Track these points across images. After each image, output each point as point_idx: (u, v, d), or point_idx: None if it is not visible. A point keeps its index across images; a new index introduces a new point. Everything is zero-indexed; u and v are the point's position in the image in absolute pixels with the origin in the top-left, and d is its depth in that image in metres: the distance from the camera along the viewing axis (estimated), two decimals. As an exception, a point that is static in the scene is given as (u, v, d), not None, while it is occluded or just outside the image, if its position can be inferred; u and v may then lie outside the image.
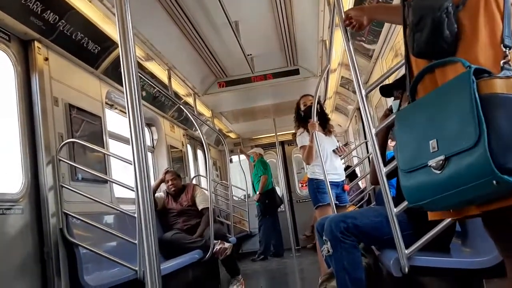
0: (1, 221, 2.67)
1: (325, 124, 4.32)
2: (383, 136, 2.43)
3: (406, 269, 1.98)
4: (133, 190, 3.03)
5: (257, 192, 7.77)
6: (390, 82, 2.58)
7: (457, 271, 1.96)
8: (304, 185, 9.07)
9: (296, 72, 6.36)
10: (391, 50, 4.08)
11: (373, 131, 2.11)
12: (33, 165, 3.04)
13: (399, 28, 3.08)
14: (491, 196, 1.17)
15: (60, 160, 3.19)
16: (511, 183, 1.07)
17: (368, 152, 6.20)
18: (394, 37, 3.89)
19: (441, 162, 1.21)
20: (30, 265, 2.86)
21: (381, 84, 2.38)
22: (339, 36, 3.97)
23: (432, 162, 1.24)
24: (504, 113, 1.12)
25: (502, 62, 1.23)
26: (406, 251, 1.97)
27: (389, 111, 2.51)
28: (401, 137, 1.43)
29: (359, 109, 6.61)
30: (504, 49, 1.25)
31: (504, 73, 1.20)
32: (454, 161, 1.18)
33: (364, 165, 6.78)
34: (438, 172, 1.22)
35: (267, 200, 7.72)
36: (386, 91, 2.43)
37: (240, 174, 9.42)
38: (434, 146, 1.24)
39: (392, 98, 2.44)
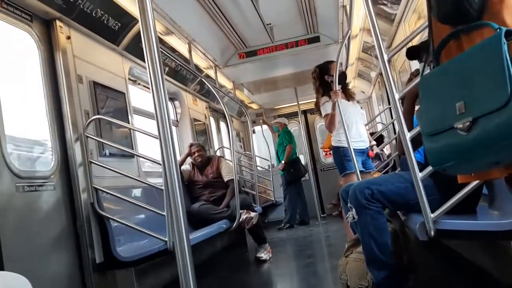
0: (35, 198, 2.77)
1: (346, 90, 4.25)
2: (411, 101, 2.37)
3: (432, 233, 1.98)
4: (159, 164, 3.10)
5: (282, 162, 7.81)
6: (414, 44, 2.53)
7: (484, 234, 1.94)
8: (327, 152, 9.02)
9: (316, 39, 6.25)
10: (414, 13, 3.97)
11: (397, 96, 2.08)
12: (61, 142, 3.12)
13: (422, -11, 2.99)
14: None
15: (87, 136, 3.27)
16: None
17: (392, 118, 6.13)
18: (417, -1, 3.78)
19: (469, 123, 1.20)
20: (64, 239, 2.98)
21: (407, 47, 2.33)
22: (359, 0, 3.89)
23: (459, 124, 1.23)
24: None
25: None
26: (432, 215, 1.97)
27: (415, 76, 2.46)
28: (426, 101, 1.43)
29: (382, 74, 6.51)
30: None
31: None
32: (482, 123, 1.17)
33: (389, 131, 6.71)
34: (465, 133, 1.22)
35: (292, 169, 7.76)
36: (413, 53, 2.38)
37: (263, 144, 9.46)
38: (461, 108, 1.23)
39: (417, 63, 2.39)
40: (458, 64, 1.31)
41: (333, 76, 4.08)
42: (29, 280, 1.35)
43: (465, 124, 1.21)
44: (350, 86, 5.05)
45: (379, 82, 7.00)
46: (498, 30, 1.18)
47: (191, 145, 5.16)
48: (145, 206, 3.29)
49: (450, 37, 1.41)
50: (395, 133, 6.01)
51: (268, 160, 8.66)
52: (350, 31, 4.22)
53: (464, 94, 1.24)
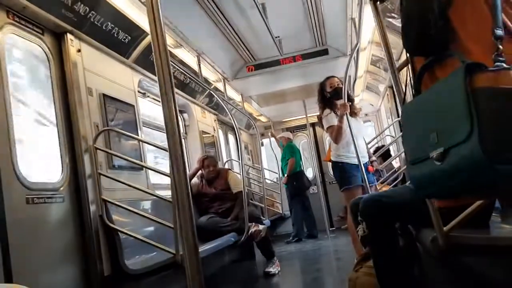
0: (44, 209, 2.78)
1: (350, 105, 4.28)
2: None
3: (445, 247, 1.94)
4: (168, 176, 3.10)
5: (285, 175, 7.79)
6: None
7: (497, 248, 1.91)
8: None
9: (325, 52, 6.27)
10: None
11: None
12: (71, 154, 3.14)
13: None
14: (487, 184, 1.21)
15: (96, 148, 3.28)
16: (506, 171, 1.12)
17: (401, 131, 6.09)
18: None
19: (441, 153, 1.27)
20: (72, 251, 2.97)
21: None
22: (368, 13, 3.90)
23: (433, 154, 1.30)
24: (495, 105, 1.17)
25: (494, 54, 1.25)
26: (444, 229, 1.94)
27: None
28: (406, 130, 1.52)
29: (391, 87, 6.51)
30: (495, 41, 1.24)
31: (497, 66, 1.23)
32: (452, 153, 1.24)
33: (398, 143, 6.67)
34: (439, 163, 1.28)
35: (295, 182, 7.74)
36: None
37: (271, 157, 9.45)
38: (434, 138, 1.31)
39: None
40: (430, 96, 1.39)
41: (328, 92, 4.25)
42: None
43: (438, 154, 1.28)
44: (358, 99, 5.06)
45: (387, 95, 6.99)
46: (462, 63, 1.24)
47: (205, 158, 5.15)
48: (154, 219, 3.28)
49: (425, 69, 1.49)
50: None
51: (277, 173, 8.64)
52: (359, 44, 4.23)
53: (436, 125, 1.32)
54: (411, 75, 1.61)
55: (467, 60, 1.25)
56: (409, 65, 1.62)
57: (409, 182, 4.24)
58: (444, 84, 1.31)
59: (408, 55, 1.62)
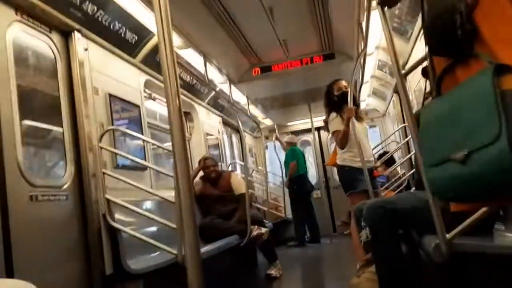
0: (47, 207, 2.78)
1: (356, 110, 4.26)
2: None
3: (447, 254, 1.93)
4: (172, 177, 3.10)
5: (286, 179, 7.77)
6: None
7: (500, 257, 1.90)
8: (338, 170, 8.94)
9: (331, 56, 6.27)
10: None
11: (413, 113, 2.06)
12: (76, 153, 3.14)
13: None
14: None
15: (101, 148, 3.28)
16: None
17: (406, 137, 6.07)
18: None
19: (464, 156, 1.23)
20: (75, 249, 2.98)
21: (423, 65, 2.32)
22: (375, 18, 3.89)
23: (455, 156, 1.26)
24: None
25: None
26: (447, 236, 1.92)
27: (430, 94, 2.44)
28: (426, 131, 1.47)
29: (397, 92, 6.49)
30: None
31: None
32: (477, 155, 1.20)
33: (402, 149, 6.65)
34: (461, 166, 1.25)
35: (295, 186, 7.68)
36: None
37: (275, 160, 9.43)
38: (458, 140, 1.27)
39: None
40: (454, 96, 1.34)
41: (336, 95, 4.20)
42: (38, 289, 1.34)
43: (461, 156, 1.24)
44: (364, 104, 5.04)
45: (393, 100, 6.97)
46: (489, 64, 1.21)
47: (205, 159, 5.15)
48: (156, 219, 3.28)
49: (446, 70, 1.45)
50: (408, 152, 5.95)
51: (280, 176, 8.61)
52: (365, 49, 4.22)
53: (460, 126, 1.28)
54: (430, 76, 1.57)
55: (494, 61, 1.22)
56: (429, 66, 1.59)
57: (413, 188, 4.24)
58: (470, 85, 1.28)
59: (428, 55, 1.59)
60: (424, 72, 2.39)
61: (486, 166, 1.18)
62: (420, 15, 1.55)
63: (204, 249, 3.61)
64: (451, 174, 1.30)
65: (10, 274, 2.32)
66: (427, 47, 1.55)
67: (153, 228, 3.61)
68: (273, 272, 4.80)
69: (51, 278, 2.65)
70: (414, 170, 4.76)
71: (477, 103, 1.22)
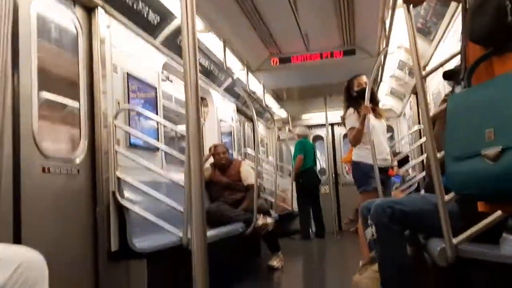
0: (59, 180, 2.81)
1: (375, 107, 4.21)
2: (443, 123, 2.32)
3: (452, 259, 1.92)
4: (184, 160, 3.12)
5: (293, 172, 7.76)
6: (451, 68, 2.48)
7: (506, 266, 1.89)
8: (349, 168, 8.90)
9: (352, 52, 6.21)
10: (455, 34, 3.90)
11: (430, 115, 2.04)
12: (90, 128, 3.17)
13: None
14: None
15: (116, 126, 3.31)
16: None
17: (420, 139, 6.02)
18: (459, 19, 3.71)
19: (498, 153, 1.15)
20: (82, 223, 3.01)
21: (444, 68, 2.30)
22: (400, 16, 3.85)
23: (486, 152, 1.18)
24: None
25: None
26: (454, 240, 1.91)
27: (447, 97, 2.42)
28: (453, 122, 1.38)
29: (415, 94, 6.43)
30: None
31: None
32: (510, 153, 1.13)
33: (414, 152, 6.60)
34: (492, 163, 1.17)
35: (301, 180, 7.66)
36: (450, 74, 2.33)
37: (286, 152, 9.41)
38: (491, 135, 1.18)
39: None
40: (489, 89, 1.27)
41: (355, 91, 4.16)
42: (44, 259, 1.36)
43: (493, 152, 1.16)
44: (380, 104, 4.99)
45: (410, 101, 6.90)
46: None
47: (216, 146, 5.16)
48: (165, 200, 3.30)
49: (482, 59, 1.36)
50: (421, 154, 5.91)
51: (290, 169, 8.60)
52: (387, 47, 4.17)
53: (494, 120, 1.19)
54: (462, 66, 1.49)
55: None
56: (461, 54, 1.51)
57: (423, 190, 4.21)
58: (509, 78, 1.21)
59: (463, 43, 1.51)
60: (445, 75, 2.37)
61: None
62: (449, 12, 1.47)
63: (209, 233, 3.62)
64: (479, 170, 1.22)
65: (17, 242, 2.35)
66: (465, 32, 1.45)
67: (160, 210, 3.63)
68: (275, 263, 4.83)
69: (57, 250, 2.69)
70: (425, 172, 4.73)
71: None
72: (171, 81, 4.96)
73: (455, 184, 1.38)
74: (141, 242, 3.16)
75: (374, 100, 4.23)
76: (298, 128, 8.42)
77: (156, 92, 4.08)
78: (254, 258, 5.52)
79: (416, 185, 5.66)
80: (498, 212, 1.77)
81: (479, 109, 1.27)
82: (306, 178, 7.69)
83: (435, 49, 4.60)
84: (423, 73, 2.08)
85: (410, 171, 6.53)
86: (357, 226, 6.45)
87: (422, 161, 5.71)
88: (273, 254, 4.95)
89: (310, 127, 9.44)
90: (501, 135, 1.16)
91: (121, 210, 3.21)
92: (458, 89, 2.25)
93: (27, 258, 1.28)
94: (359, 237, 3.91)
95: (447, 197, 1.92)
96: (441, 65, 2.26)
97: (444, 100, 2.44)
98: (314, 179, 7.87)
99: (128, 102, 3.56)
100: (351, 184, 8.76)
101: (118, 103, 3.43)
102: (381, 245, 2.24)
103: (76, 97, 3.09)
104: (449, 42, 4.08)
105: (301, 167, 7.65)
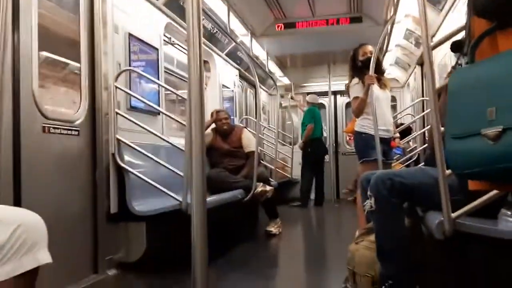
0: (59, 141, 2.79)
1: (380, 77, 4.15)
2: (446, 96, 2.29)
3: (450, 233, 1.93)
4: (184, 125, 3.10)
5: (301, 140, 7.73)
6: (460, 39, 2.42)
7: (502, 241, 1.89)
8: (350, 137, 8.88)
9: (359, 19, 6.09)
10: (465, 4, 3.79)
11: (435, 87, 2.00)
12: (91, 90, 3.13)
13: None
14: None
15: (116, 87, 3.27)
16: None
17: (423, 111, 5.98)
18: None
19: (498, 132, 1.13)
20: (82, 184, 3.01)
21: (451, 40, 2.23)
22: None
23: (487, 131, 1.16)
24: None
25: None
26: (452, 214, 1.92)
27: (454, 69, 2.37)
28: (455, 99, 1.34)
29: (420, 65, 6.34)
30: None
31: None
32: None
33: (416, 124, 6.58)
34: (492, 143, 1.15)
35: (309, 149, 7.64)
36: (458, 46, 2.28)
37: (288, 120, 9.38)
38: (492, 114, 1.15)
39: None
40: (493, 66, 1.23)
41: (361, 60, 4.08)
42: (44, 220, 1.36)
43: (493, 132, 1.14)
44: (385, 73, 4.92)
45: (415, 72, 6.82)
46: None
47: (218, 111, 5.12)
48: (165, 165, 3.30)
49: (486, 33, 1.31)
50: (423, 126, 5.88)
51: (291, 137, 8.57)
52: (395, 16, 4.08)
53: (496, 99, 1.16)
54: (466, 40, 1.44)
55: None
56: (466, 29, 1.46)
57: (422, 163, 4.21)
58: None
59: (468, 16, 1.46)
60: (454, 47, 2.31)
61: None
62: None
63: (208, 199, 3.64)
64: (479, 150, 1.20)
65: (17, 203, 2.36)
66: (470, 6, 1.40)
67: (160, 174, 3.64)
68: (272, 229, 4.88)
69: (56, 211, 2.70)
70: (426, 145, 4.72)
71: None
72: (172, 44, 4.87)
73: (453, 163, 1.36)
74: (141, 205, 3.18)
75: (379, 70, 4.16)
76: (308, 96, 8.31)
77: (158, 54, 4.02)
78: (252, 224, 5.58)
79: (416, 157, 5.67)
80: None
81: (481, 87, 1.23)
82: (314, 148, 7.66)
83: (444, 19, 4.49)
84: (431, 44, 2.02)
85: (411, 143, 6.53)
86: (355, 196, 6.52)
87: (424, 133, 5.70)
88: (271, 221, 5.00)
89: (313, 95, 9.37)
90: (503, 115, 1.13)
91: (121, 173, 3.21)
92: (462, 61, 2.20)
93: (26, 219, 1.27)
94: (356, 207, 3.93)
95: (448, 171, 1.91)
96: (450, 37, 2.20)
97: (451, 72, 2.39)
98: (322, 149, 7.85)
99: (130, 64, 3.50)
100: (351, 153, 8.83)
101: (119, 65, 3.38)
102: (380, 217, 2.25)
103: (77, 58, 3.04)
104: (459, 13, 3.98)
105: (310, 136, 7.63)
